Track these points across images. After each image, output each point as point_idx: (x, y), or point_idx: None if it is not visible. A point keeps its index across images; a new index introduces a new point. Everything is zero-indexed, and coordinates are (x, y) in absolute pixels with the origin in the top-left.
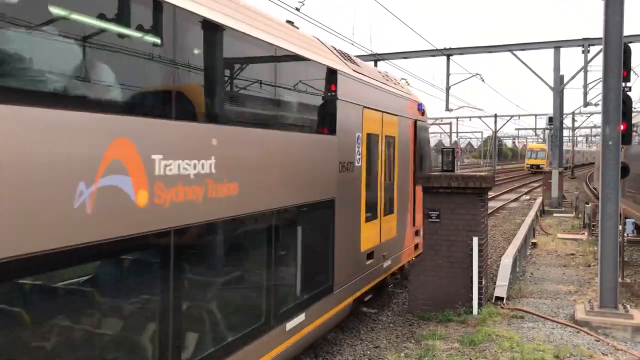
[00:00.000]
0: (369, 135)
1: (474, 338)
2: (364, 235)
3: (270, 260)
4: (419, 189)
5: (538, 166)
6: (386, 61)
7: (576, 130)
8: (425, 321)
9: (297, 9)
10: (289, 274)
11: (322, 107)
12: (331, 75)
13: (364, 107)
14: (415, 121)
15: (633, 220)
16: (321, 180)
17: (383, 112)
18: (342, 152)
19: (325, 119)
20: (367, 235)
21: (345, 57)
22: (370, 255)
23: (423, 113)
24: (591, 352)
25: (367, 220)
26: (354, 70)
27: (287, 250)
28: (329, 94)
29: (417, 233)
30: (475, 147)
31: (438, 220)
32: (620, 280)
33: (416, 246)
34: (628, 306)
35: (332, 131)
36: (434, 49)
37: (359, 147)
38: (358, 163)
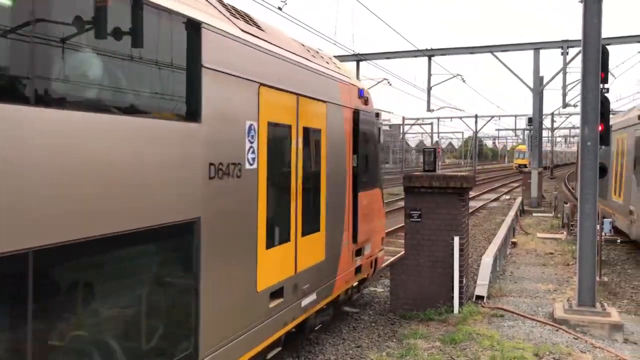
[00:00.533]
0: (272, 126)
1: (454, 337)
2: (263, 268)
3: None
4: (363, 196)
5: (525, 165)
6: (369, 61)
7: (555, 131)
8: (407, 320)
9: (280, 9)
10: (88, 350)
11: (169, 78)
12: (191, 30)
13: (262, 85)
14: (356, 111)
15: (610, 219)
16: (165, 193)
17: (299, 95)
18: (216, 149)
19: (175, 96)
20: (270, 266)
21: (235, 12)
22: (276, 293)
23: (367, 102)
24: (570, 349)
25: (271, 245)
26: (244, 31)
27: (79, 311)
28: (185, 58)
29: (359, 252)
30: (456, 147)
31: (420, 219)
32: (597, 279)
33: (358, 269)
34: (605, 304)
35: (193, 116)
36: (416, 49)
37: (252, 142)
38: (251, 164)
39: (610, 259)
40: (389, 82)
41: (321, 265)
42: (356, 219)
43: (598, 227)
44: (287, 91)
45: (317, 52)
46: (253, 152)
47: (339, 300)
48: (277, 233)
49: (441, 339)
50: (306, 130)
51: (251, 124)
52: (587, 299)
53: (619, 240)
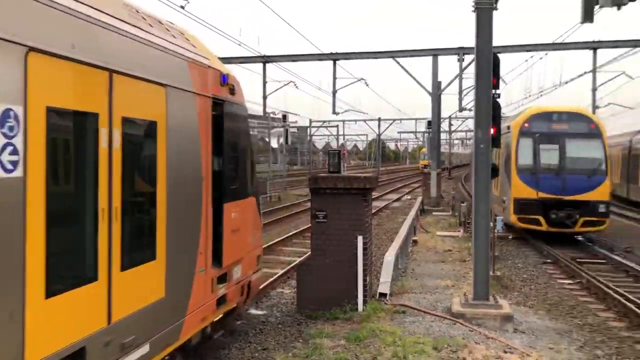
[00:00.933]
0: (56, 114)
1: (359, 334)
2: (42, 326)
3: None
4: (230, 208)
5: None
6: (275, 63)
7: (453, 134)
8: (313, 320)
9: (182, 7)
10: None
11: None
12: None
13: (33, 50)
14: (218, 102)
15: (502, 217)
16: None
17: (114, 71)
18: None
19: None
20: (58, 321)
21: None
22: (72, 358)
23: (233, 91)
24: (466, 341)
25: (57, 290)
26: None
27: None
28: None
29: (224, 278)
30: (361, 149)
31: (325, 220)
32: (491, 273)
33: (221, 300)
34: (498, 297)
35: None
36: (321, 53)
37: (11, 137)
38: (11, 171)
39: (503, 254)
40: (295, 85)
41: (159, 304)
42: (219, 237)
43: (491, 224)
44: (88, 64)
45: (159, 22)
46: (14, 153)
47: (192, 343)
48: (71, 271)
49: (346, 337)
50: (128, 122)
51: (9, 109)
52: (481, 293)
53: (510, 237)
